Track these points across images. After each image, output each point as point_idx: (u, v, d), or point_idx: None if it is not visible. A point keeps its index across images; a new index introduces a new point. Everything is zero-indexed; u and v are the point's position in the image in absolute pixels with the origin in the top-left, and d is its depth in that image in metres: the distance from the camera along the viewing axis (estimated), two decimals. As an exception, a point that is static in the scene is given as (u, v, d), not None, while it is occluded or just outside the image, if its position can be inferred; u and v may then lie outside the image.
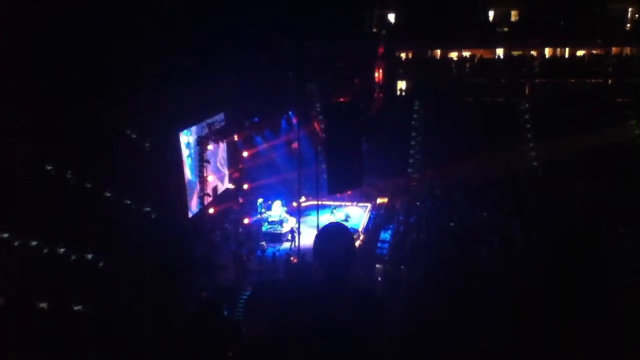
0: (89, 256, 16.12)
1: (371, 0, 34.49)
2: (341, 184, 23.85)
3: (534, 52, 33.05)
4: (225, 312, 17.40)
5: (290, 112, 26.52)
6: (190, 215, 21.08)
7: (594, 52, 32.78)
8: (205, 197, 21.48)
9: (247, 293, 19.15)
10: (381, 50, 31.87)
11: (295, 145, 24.16)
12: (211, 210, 22.15)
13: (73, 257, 15.73)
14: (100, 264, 16.26)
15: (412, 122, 30.47)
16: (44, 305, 13.90)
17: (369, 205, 26.69)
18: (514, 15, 34.19)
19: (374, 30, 34.90)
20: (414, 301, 16.92)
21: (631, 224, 19.65)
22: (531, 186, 26.44)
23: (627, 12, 33.23)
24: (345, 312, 3.33)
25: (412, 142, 29.99)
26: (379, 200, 26.93)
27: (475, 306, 13.94)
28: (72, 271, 15.37)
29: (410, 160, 29.56)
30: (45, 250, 14.72)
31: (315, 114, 27.76)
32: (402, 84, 33.44)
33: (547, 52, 33.72)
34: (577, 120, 27.03)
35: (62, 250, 15.35)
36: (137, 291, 16.07)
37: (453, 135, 29.49)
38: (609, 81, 31.15)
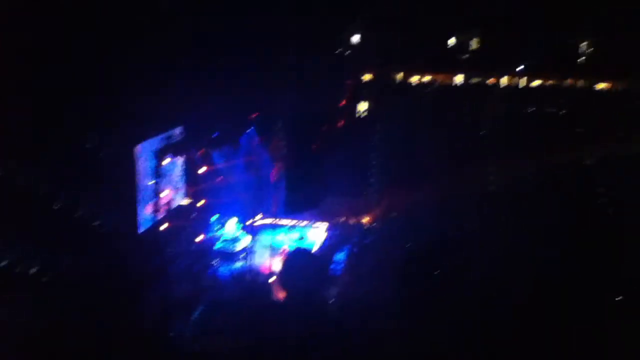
0: (34, 270, 15.68)
1: (336, 21, 34.83)
2: (299, 203, 23.87)
3: (491, 81, 33.92)
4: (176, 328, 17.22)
5: (251, 128, 26.40)
6: (143, 229, 20.66)
7: (549, 82, 33.84)
8: (159, 212, 21.10)
9: (199, 311, 18.87)
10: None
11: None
12: (165, 226, 21.77)
13: (17, 270, 15.30)
14: (44, 279, 15.82)
15: (372, 143, 30.74)
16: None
17: (325, 225, 26.69)
18: (474, 44, 35.03)
19: (338, 50, 35.25)
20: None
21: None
22: (488, 204, 26.93)
23: (578, 46, 34.43)
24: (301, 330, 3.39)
25: (372, 162, 30.22)
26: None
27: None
28: (17, 285, 14.96)
29: (369, 181, 29.75)
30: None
31: (277, 131, 27.72)
32: (363, 105, 33.79)
33: (504, 80, 34.65)
34: (533, 146, 27.88)
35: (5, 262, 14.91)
36: (84, 307, 15.69)
37: (412, 157, 29.94)
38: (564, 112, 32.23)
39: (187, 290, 20.08)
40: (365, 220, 26.82)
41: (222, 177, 25.54)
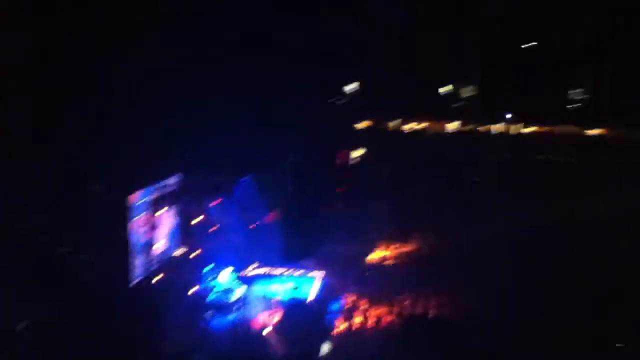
0: (22, 324, 15.41)
1: (333, 69, 35.40)
2: (295, 253, 23.69)
3: (482, 128, 34.38)
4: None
5: (246, 177, 26.42)
6: (136, 280, 20.38)
7: (540, 130, 34.29)
8: (153, 262, 20.86)
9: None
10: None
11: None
12: (158, 277, 21.50)
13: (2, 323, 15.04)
14: (35, 331, 15.55)
15: (367, 191, 30.82)
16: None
17: (319, 274, 26.39)
18: (465, 92, 35.63)
19: (334, 98, 35.72)
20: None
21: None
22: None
23: (567, 95, 35.01)
24: None
25: (367, 209, 30.21)
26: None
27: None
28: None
29: (368, 226, 29.63)
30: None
31: (274, 180, 27.78)
32: (360, 152, 34.05)
33: (495, 127, 35.10)
34: (529, 192, 28.03)
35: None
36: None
37: (408, 204, 29.99)
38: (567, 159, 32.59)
39: (181, 343, 19.68)
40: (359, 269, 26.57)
41: (216, 226, 25.41)
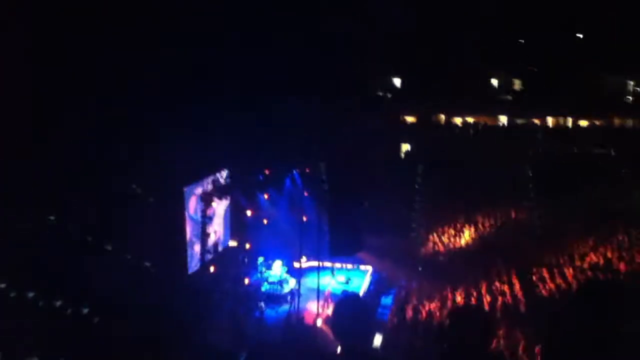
0: (85, 310, 15.78)
1: (377, 64, 35.27)
2: (343, 247, 23.64)
3: (536, 121, 33.54)
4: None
5: (294, 172, 26.59)
6: (190, 272, 20.77)
7: (596, 122, 33.28)
8: (206, 254, 21.20)
9: (244, 355, 18.63)
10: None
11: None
12: (211, 269, 21.84)
13: (68, 311, 15.41)
14: (95, 320, 15.90)
15: (415, 186, 30.56)
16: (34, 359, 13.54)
17: (370, 268, 26.36)
18: (517, 84, 34.93)
19: (379, 93, 35.59)
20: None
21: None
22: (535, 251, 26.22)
23: (627, 84, 33.95)
24: None
25: (415, 206, 29.98)
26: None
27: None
28: (67, 326, 15.04)
29: (413, 225, 29.46)
30: (40, 303, 14.45)
31: (320, 175, 27.85)
32: (406, 147, 33.79)
33: (550, 121, 34.23)
34: (581, 189, 27.18)
35: (58, 303, 15.06)
36: (131, 348, 15.65)
37: (455, 200, 29.61)
38: (612, 152, 31.45)
39: (232, 334, 19.94)
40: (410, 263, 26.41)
41: (267, 219, 25.66)
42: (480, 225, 29.08)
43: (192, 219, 21.19)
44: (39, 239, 14.03)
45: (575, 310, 3.55)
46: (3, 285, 13.23)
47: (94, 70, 16.20)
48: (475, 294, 22.44)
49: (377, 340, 19.81)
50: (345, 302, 3.56)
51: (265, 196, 25.24)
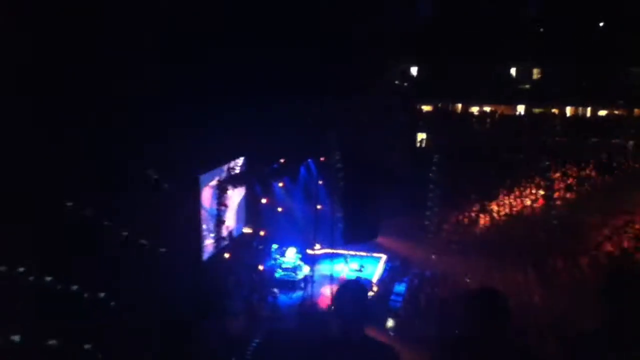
0: (102, 294, 16.07)
1: (394, 54, 35.09)
2: (357, 235, 23.77)
3: (555, 110, 33.17)
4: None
5: (309, 160, 26.70)
6: (205, 258, 21.05)
7: (616, 112, 32.82)
8: (221, 241, 21.45)
9: (257, 341, 18.86)
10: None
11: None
12: (226, 255, 22.10)
13: (85, 295, 15.70)
14: (112, 303, 16.19)
15: (430, 175, 30.50)
16: (53, 342, 13.83)
17: (383, 256, 26.45)
18: (535, 73, 34.52)
19: (396, 82, 35.44)
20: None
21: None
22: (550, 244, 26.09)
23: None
24: None
25: (430, 195, 29.94)
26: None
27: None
28: (84, 309, 15.31)
29: (427, 213, 29.45)
30: (58, 287, 14.72)
31: (335, 163, 27.93)
32: (422, 136, 33.69)
33: (569, 110, 33.83)
34: (598, 180, 26.91)
35: (75, 287, 15.35)
36: (146, 334, 15.91)
37: (471, 189, 29.53)
38: (632, 142, 31.00)
39: (246, 320, 20.20)
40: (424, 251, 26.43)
41: (282, 207, 25.84)
42: (495, 215, 28.98)
43: (207, 206, 21.45)
44: (56, 224, 14.29)
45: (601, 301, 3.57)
46: (21, 270, 13.51)
47: (109, 57, 16.32)
48: (489, 282, 22.44)
49: (389, 327, 20.02)
50: (345, 286, 3.71)
51: (280, 184, 25.39)
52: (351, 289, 3.70)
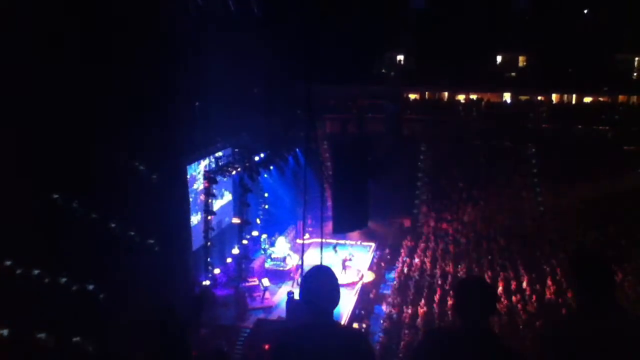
0: (90, 287, 16.00)
1: (380, 42, 34.98)
2: (346, 224, 23.75)
3: (541, 98, 33.32)
4: (225, 350, 17.19)
5: (297, 150, 26.66)
6: (193, 249, 20.99)
7: (601, 99, 33.05)
8: (209, 232, 21.39)
9: (247, 331, 18.93)
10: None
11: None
12: (215, 246, 22.05)
13: (74, 288, 15.63)
14: (101, 296, 16.13)
15: (419, 164, 30.63)
16: (42, 336, 13.78)
17: (372, 244, 26.57)
18: (521, 61, 34.63)
19: (383, 71, 35.39)
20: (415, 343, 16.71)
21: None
22: (537, 232, 26.33)
23: (633, 61, 33.59)
24: (328, 350, 3.42)
25: (418, 183, 30.09)
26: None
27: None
28: (73, 302, 15.24)
29: (416, 201, 29.60)
30: (46, 280, 14.64)
31: (323, 152, 27.93)
32: (409, 125, 33.69)
33: (554, 98, 34.01)
34: (584, 166, 27.08)
35: (63, 280, 15.26)
36: (135, 326, 15.87)
37: (459, 178, 29.65)
38: (615, 129, 31.23)
39: (236, 310, 20.24)
40: (412, 240, 26.58)
41: (270, 196, 25.83)
42: (482, 204, 29.10)
43: (195, 196, 21.37)
44: (43, 216, 14.18)
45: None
46: (9, 263, 13.41)
47: (98, 47, 16.14)
48: (477, 270, 22.68)
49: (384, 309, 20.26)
50: (311, 272, 3.69)
51: (268, 174, 25.34)
52: (318, 275, 3.67)
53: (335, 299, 3.54)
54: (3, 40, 12.59)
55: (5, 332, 12.45)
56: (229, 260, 23.17)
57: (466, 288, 3.71)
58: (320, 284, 3.53)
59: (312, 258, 23.11)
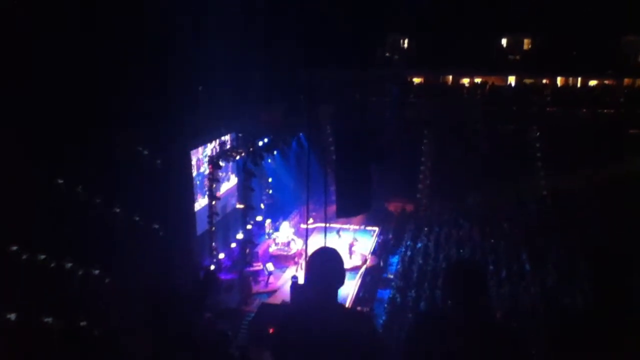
0: (96, 272, 16.09)
1: (384, 26, 34.75)
2: (350, 208, 23.76)
3: (545, 81, 33.08)
4: (229, 333, 17.34)
5: (301, 134, 26.60)
6: (198, 233, 21.07)
7: (606, 82, 32.81)
8: (214, 217, 21.45)
9: (251, 315, 19.03)
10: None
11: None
12: (219, 230, 22.12)
13: (80, 272, 15.72)
14: (107, 280, 16.24)
15: (422, 148, 30.51)
16: (49, 320, 13.89)
17: (376, 229, 26.60)
18: (526, 44, 34.36)
19: (387, 55, 35.19)
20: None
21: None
22: (541, 216, 26.28)
23: (639, 44, 33.29)
24: (332, 332, 3.43)
25: (422, 168, 30.00)
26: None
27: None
28: (78, 287, 15.35)
29: (420, 186, 29.56)
30: (52, 265, 14.73)
31: (326, 137, 27.85)
32: (414, 109, 33.51)
33: (559, 81, 33.78)
34: (589, 150, 26.90)
35: (69, 265, 15.36)
36: (140, 309, 15.97)
37: (463, 162, 29.51)
38: (621, 112, 30.98)
39: (240, 294, 20.33)
40: (416, 224, 26.60)
41: (274, 181, 25.83)
42: (485, 188, 29.00)
43: (199, 181, 21.39)
44: (48, 201, 14.23)
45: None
46: (14, 248, 13.49)
47: (101, 31, 16.08)
48: (480, 254, 22.73)
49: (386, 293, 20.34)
50: (316, 254, 3.69)
51: (272, 159, 25.33)
52: (324, 255, 3.68)
53: (340, 279, 3.56)
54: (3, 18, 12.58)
55: (12, 316, 12.55)
56: (233, 245, 23.23)
57: (451, 269, 3.76)
58: (325, 264, 3.55)
59: (316, 243, 23.19)
